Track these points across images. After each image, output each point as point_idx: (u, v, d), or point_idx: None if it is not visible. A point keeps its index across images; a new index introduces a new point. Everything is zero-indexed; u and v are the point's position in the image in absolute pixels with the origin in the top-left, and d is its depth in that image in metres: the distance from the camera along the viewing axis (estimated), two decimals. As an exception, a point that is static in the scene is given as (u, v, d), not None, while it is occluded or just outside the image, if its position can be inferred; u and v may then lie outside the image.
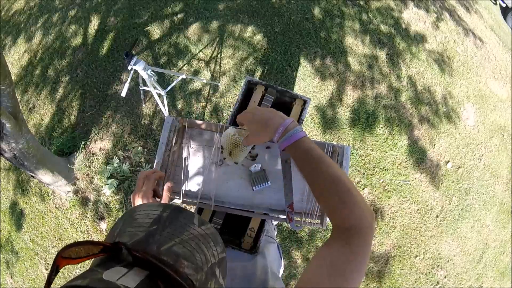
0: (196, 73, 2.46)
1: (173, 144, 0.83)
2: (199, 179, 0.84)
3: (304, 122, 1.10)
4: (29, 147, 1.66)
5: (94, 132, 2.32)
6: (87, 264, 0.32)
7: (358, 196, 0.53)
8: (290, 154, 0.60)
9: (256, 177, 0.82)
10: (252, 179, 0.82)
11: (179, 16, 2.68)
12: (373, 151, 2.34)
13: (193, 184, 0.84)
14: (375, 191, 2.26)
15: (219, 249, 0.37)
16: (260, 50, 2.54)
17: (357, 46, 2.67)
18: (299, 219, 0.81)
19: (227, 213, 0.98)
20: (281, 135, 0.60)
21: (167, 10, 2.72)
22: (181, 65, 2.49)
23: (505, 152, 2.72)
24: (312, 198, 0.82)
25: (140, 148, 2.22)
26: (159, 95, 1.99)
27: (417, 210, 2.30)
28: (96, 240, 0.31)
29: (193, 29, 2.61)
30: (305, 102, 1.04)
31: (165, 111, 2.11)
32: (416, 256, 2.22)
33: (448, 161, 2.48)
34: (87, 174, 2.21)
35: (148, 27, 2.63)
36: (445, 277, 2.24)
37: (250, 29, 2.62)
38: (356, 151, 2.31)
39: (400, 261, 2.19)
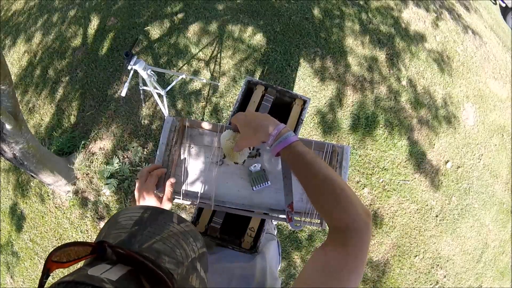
0: (196, 73, 2.46)
1: (173, 144, 0.83)
2: (199, 179, 0.84)
3: (304, 122, 1.11)
4: (29, 147, 1.66)
5: (94, 131, 2.32)
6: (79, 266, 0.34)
7: (353, 196, 0.53)
8: (284, 158, 0.61)
9: (256, 177, 0.82)
10: (252, 179, 0.82)
11: (179, 16, 2.68)
12: (372, 150, 2.34)
13: (193, 184, 0.84)
14: (375, 190, 2.26)
15: (199, 245, 0.39)
16: (260, 50, 2.54)
17: (357, 46, 2.67)
18: (299, 219, 0.81)
19: (227, 213, 0.98)
20: (274, 139, 0.61)
21: (167, 9, 2.72)
22: (181, 65, 2.49)
23: (505, 152, 2.72)
24: (311, 198, 0.82)
25: (140, 148, 2.22)
26: (159, 95, 1.99)
27: (417, 209, 2.30)
28: (82, 241, 0.33)
29: (193, 29, 2.61)
30: (305, 102, 1.05)
31: (165, 111, 2.11)
32: (416, 256, 2.23)
33: (448, 161, 2.48)
34: (87, 174, 2.21)
35: (148, 27, 2.63)
36: (445, 277, 2.24)
37: (250, 29, 2.62)
38: (356, 150, 2.32)
39: (399, 260, 2.20)
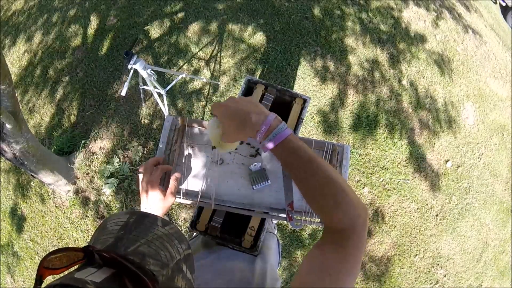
0: (196, 72, 2.46)
1: (173, 143, 0.83)
2: (200, 178, 0.84)
3: (304, 121, 1.11)
4: (29, 147, 1.66)
5: (94, 131, 2.32)
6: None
7: (352, 194, 0.50)
8: (275, 155, 0.53)
9: (256, 176, 0.82)
10: (252, 178, 0.82)
11: (179, 15, 2.68)
12: (373, 150, 2.34)
13: (194, 183, 0.84)
14: (375, 190, 2.26)
15: (184, 246, 0.40)
16: (260, 49, 2.54)
17: (357, 45, 2.67)
18: (299, 218, 0.81)
19: (228, 212, 0.98)
20: (264, 135, 0.52)
21: (167, 9, 2.71)
22: (181, 64, 2.49)
23: (505, 151, 2.72)
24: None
25: (140, 147, 2.22)
26: (159, 95, 1.99)
27: (417, 209, 2.30)
28: (71, 246, 0.34)
29: (193, 28, 2.61)
30: (305, 101, 1.04)
31: (165, 111, 2.11)
32: (416, 255, 2.23)
33: (448, 160, 2.48)
34: (87, 174, 2.21)
35: (148, 26, 2.63)
36: (445, 276, 2.24)
37: (250, 28, 2.61)
38: (356, 150, 2.32)
39: (399, 260, 2.20)
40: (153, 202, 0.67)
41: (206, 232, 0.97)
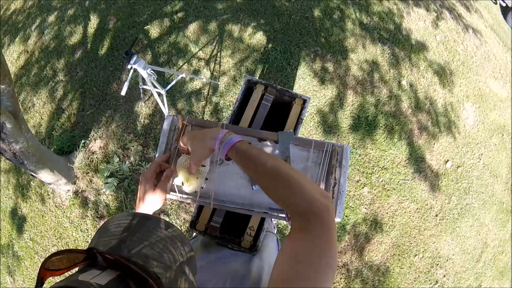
0: (196, 72, 2.46)
1: (173, 142, 0.83)
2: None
3: (304, 121, 1.11)
4: (29, 146, 1.66)
5: (94, 131, 2.32)
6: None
7: (303, 180, 0.53)
8: (234, 159, 0.63)
9: (255, 176, 0.82)
10: (251, 178, 0.82)
11: (179, 15, 2.68)
12: (372, 150, 2.34)
13: (193, 183, 0.84)
14: (375, 190, 2.26)
15: (186, 249, 0.40)
16: (260, 49, 2.54)
17: (357, 45, 2.67)
18: (299, 218, 0.81)
19: (227, 211, 0.98)
20: (220, 143, 0.64)
21: (167, 9, 2.71)
22: (181, 64, 2.49)
23: (505, 151, 2.72)
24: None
25: (140, 147, 2.22)
26: (159, 94, 1.99)
27: (417, 209, 2.30)
28: (73, 248, 0.35)
29: (193, 28, 2.61)
30: (305, 101, 1.04)
31: (165, 110, 2.11)
32: (416, 255, 2.23)
33: (448, 160, 2.48)
34: (87, 173, 2.21)
35: (148, 26, 2.63)
36: (444, 276, 2.25)
37: (250, 28, 2.61)
38: (356, 150, 2.32)
39: (399, 260, 2.20)
40: (144, 196, 0.68)
41: (206, 232, 0.97)
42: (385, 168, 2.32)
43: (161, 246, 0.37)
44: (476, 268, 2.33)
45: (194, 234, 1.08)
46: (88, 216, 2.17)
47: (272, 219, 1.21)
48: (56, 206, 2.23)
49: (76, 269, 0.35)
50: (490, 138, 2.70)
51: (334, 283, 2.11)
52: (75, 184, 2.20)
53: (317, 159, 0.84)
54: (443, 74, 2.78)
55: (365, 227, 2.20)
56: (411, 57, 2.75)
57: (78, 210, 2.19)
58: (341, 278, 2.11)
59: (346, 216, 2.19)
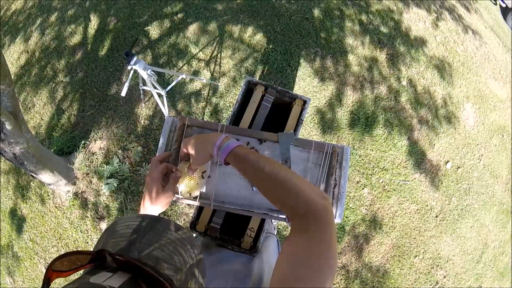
0: (196, 73, 2.46)
1: (173, 143, 0.83)
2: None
3: (304, 122, 1.10)
4: (29, 147, 1.66)
5: (94, 131, 2.32)
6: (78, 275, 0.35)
7: (302, 182, 0.54)
8: (232, 164, 0.64)
9: (255, 177, 0.82)
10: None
11: (179, 15, 2.68)
12: (372, 151, 2.34)
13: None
14: (375, 191, 2.26)
15: (196, 251, 0.40)
16: (260, 50, 2.54)
17: (357, 46, 2.67)
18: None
19: (227, 212, 0.98)
20: (218, 148, 0.65)
21: (167, 9, 2.72)
22: (181, 65, 2.49)
23: (505, 152, 2.72)
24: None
25: (140, 148, 2.22)
26: (159, 95, 1.99)
27: (417, 210, 2.30)
28: (82, 250, 0.34)
29: (193, 29, 2.61)
30: (305, 102, 1.05)
31: (165, 111, 2.11)
32: (416, 256, 2.23)
33: (448, 161, 2.48)
34: (87, 174, 2.21)
35: (148, 27, 2.63)
36: (445, 277, 2.24)
37: (250, 29, 2.62)
38: (356, 151, 2.32)
39: (399, 261, 2.20)
40: (153, 196, 0.67)
41: (206, 233, 0.97)
42: (385, 169, 2.32)
43: (171, 248, 0.37)
44: (476, 269, 2.33)
45: (194, 235, 1.08)
46: (88, 217, 2.17)
47: (272, 220, 1.21)
48: (56, 206, 2.23)
49: (82, 271, 0.35)
50: (490, 139, 2.70)
51: (334, 284, 2.10)
52: (75, 185, 2.20)
53: (317, 160, 0.84)
54: (443, 75, 2.78)
55: (365, 228, 2.20)
56: (411, 58, 2.75)
57: (78, 211, 2.19)
58: (341, 279, 2.11)
59: (346, 217, 2.19)
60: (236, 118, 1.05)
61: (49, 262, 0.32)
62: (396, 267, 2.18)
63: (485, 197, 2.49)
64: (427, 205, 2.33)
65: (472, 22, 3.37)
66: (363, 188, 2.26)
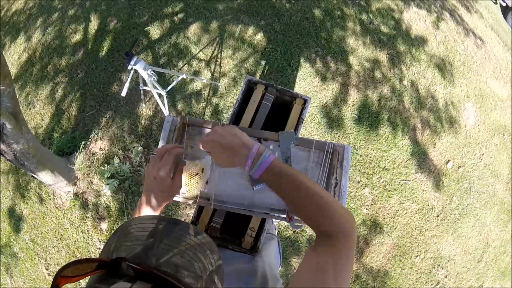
0: (196, 73, 2.46)
1: (173, 143, 0.83)
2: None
3: (304, 121, 1.10)
4: (29, 147, 1.66)
5: (94, 132, 2.32)
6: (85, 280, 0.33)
7: (336, 204, 0.56)
8: (265, 179, 0.59)
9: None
10: (252, 178, 0.82)
11: (179, 16, 2.68)
12: (373, 150, 2.34)
13: (193, 184, 0.84)
14: (376, 190, 2.26)
15: (215, 257, 0.39)
16: (260, 50, 2.54)
17: (357, 45, 2.67)
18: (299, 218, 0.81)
19: (228, 212, 0.98)
20: (250, 167, 0.58)
21: (167, 10, 2.72)
22: (181, 65, 2.49)
23: (506, 151, 2.72)
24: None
25: (140, 148, 2.22)
26: (159, 95, 1.99)
27: (418, 209, 2.29)
28: (94, 257, 0.32)
29: (193, 29, 2.61)
30: (305, 102, 1.04)
31: (165, 111, 2.11)
32: (417, 256, 2.22)
33: (449, 161, 2.47)
34: (88, 174, 2.21)
35: (148, 27, 2.63)
36: (446, 277, 2.24)
37: (250, 29, 2.61)
38: (357, 150, 2.31)
39: (400, 260, 2.19)
40: (159, 187, 0.61)
41: (206, 233, 0.97)
42: (386, 169, 2.31)
43: (191, 254, 0.35)
44: (477, 268, 2.32)
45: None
46: (88, 217, 2.17)
47: (273, 220, 1.21)
48: (56, 207, 2.23)
49: (88, 277, 0.33)
50: (491, 138, 2.69)
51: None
52: (75, 185, 2.20)
53: (318, 159, 0.84)
54: (443, 74, 2.78)
55: (366, 228, 2.19)
56: (412, 57, 2.74)
57: (79, 211, 2.19)
58: (342, 279, 2.10)
59: (347, 216, 2.18)
60: (237, 117, 1.04)
61: (58, 269, 0.30)
62: (397, 267, 2.18)
63: (486, 196, 2.49)
64: (428, 205, 2.32)
65: (473, 21, 3.36)
66: (364, 188, 2.25)
